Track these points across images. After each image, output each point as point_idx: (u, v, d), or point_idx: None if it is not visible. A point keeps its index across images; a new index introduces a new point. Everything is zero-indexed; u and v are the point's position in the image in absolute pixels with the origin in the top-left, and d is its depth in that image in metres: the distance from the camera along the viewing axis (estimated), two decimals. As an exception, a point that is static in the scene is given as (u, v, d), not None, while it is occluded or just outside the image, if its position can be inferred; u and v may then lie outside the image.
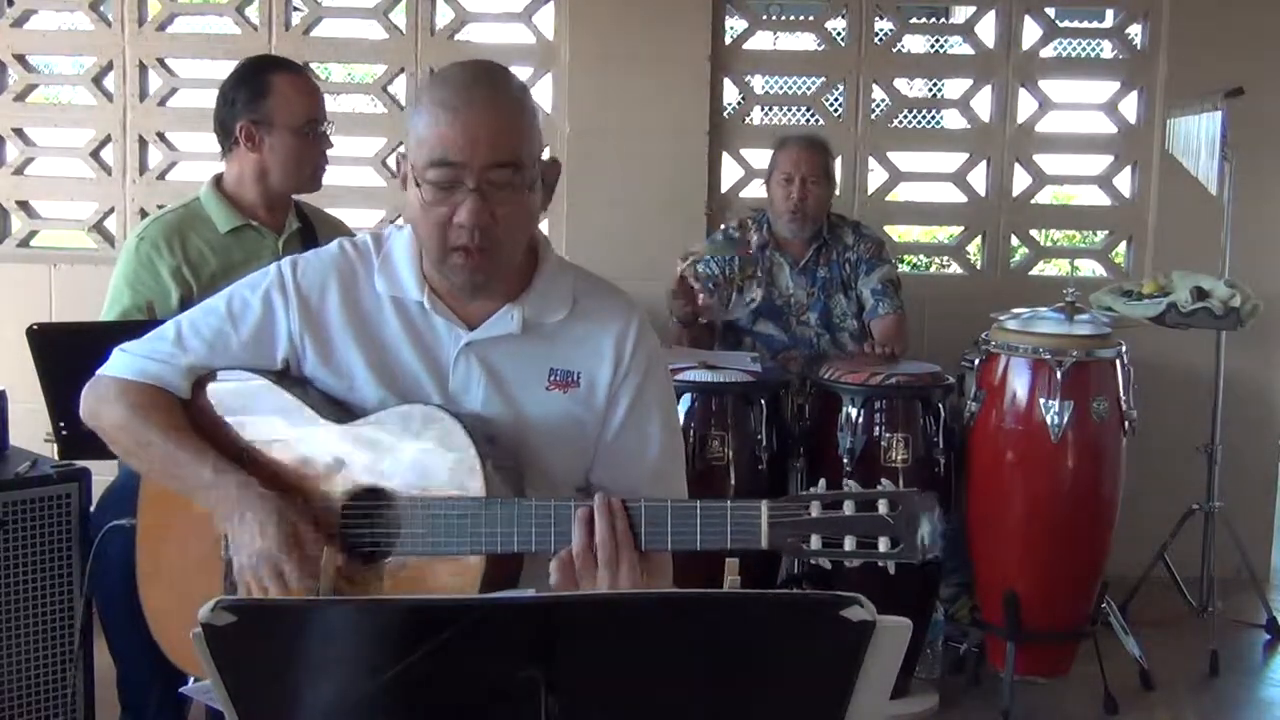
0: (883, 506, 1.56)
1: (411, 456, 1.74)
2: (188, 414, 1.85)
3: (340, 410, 1.81)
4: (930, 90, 8.31)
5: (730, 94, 4.68)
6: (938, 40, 8.55)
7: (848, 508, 1.57)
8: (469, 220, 1.68)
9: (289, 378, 1.84)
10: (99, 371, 1.89)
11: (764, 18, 4.81)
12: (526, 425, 1.80)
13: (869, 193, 4.65)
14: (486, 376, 1.80)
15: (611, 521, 1.62)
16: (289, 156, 2.95)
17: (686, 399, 3.42)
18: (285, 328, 1.83)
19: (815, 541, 1.57)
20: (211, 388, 1.86)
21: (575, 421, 1.82)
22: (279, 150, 2.94)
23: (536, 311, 1.81)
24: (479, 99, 1.69)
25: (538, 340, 1.82)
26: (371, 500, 1.76)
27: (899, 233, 5.18)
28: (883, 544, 1.56)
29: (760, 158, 4.41)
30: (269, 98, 2.93)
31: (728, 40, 4.58)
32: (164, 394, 1.84)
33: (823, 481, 1.63)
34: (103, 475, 2.78)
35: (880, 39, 4.64)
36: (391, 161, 4.55)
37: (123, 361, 1.87)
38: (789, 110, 5.70)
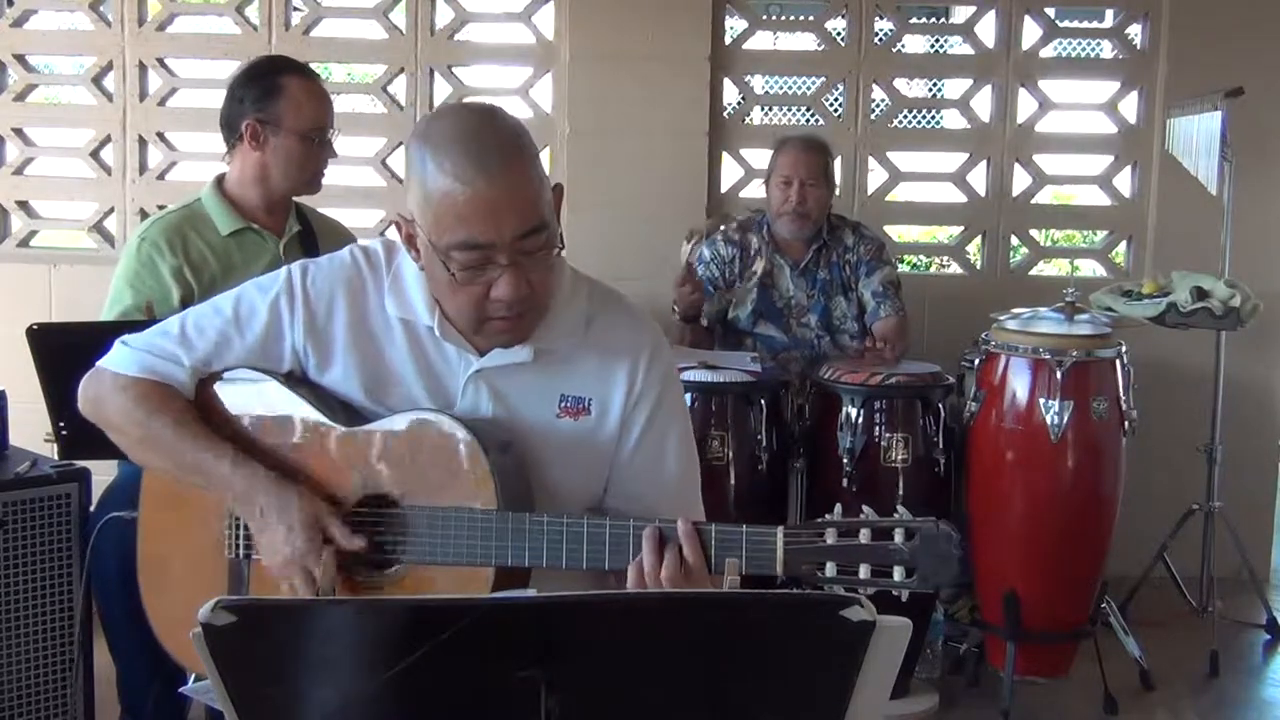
0: (898, 535, 1.56)
1: (422, 464, 1.72)
2: (194, 409, 1.83)
3: (349, 413, 1.79)
4: (930, 90, 8.32)
5: (730, 94, 4.68)
6: (938, 40, 8.56)
7: (863, 535, 1.56)
8: (510, 295, 1.64)
9: (296, 378, 1.82)
10: (99, 363, 1.86)
11: (764, 18, 4.81)
12: (535, 451, 1.77)
13: (869, 193, 4.65)
14: (495, 403, 1.77)
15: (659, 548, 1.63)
16: (291, 160, 2.95)
17: (686, 399, 3.41)
18: (290, 339, 1.81)
19: (830, 569, 1.57)
20: (218, 385, 1.84)
21: (585, 447, 1.79)
22: (281, 152, 2.94)
23: (548, 339, 1.77)
24: (495, 170, 1.60)
25: (549, 367, 1.78)
26: (379, 507, 1.75)
27: (899, 233, 5.18)
28: (897, 573, 1.55)
29: (760, 158, 4.40)
30: (279, 99, 2.92)
31: (728, 40, 4.58)
32: (170, 389, 1.82)
33: (839, 507, 1.63)
34: (103, 475, 2.78)
35: (880, 39, 4.64)
36: (392, 162, 4.55)
37: (125, 356, 1.84)
38: (789, 110, 5.70)
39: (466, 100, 3.99)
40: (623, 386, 1.79)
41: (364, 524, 1.75)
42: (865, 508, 1.61)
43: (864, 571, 1.56)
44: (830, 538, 1.57)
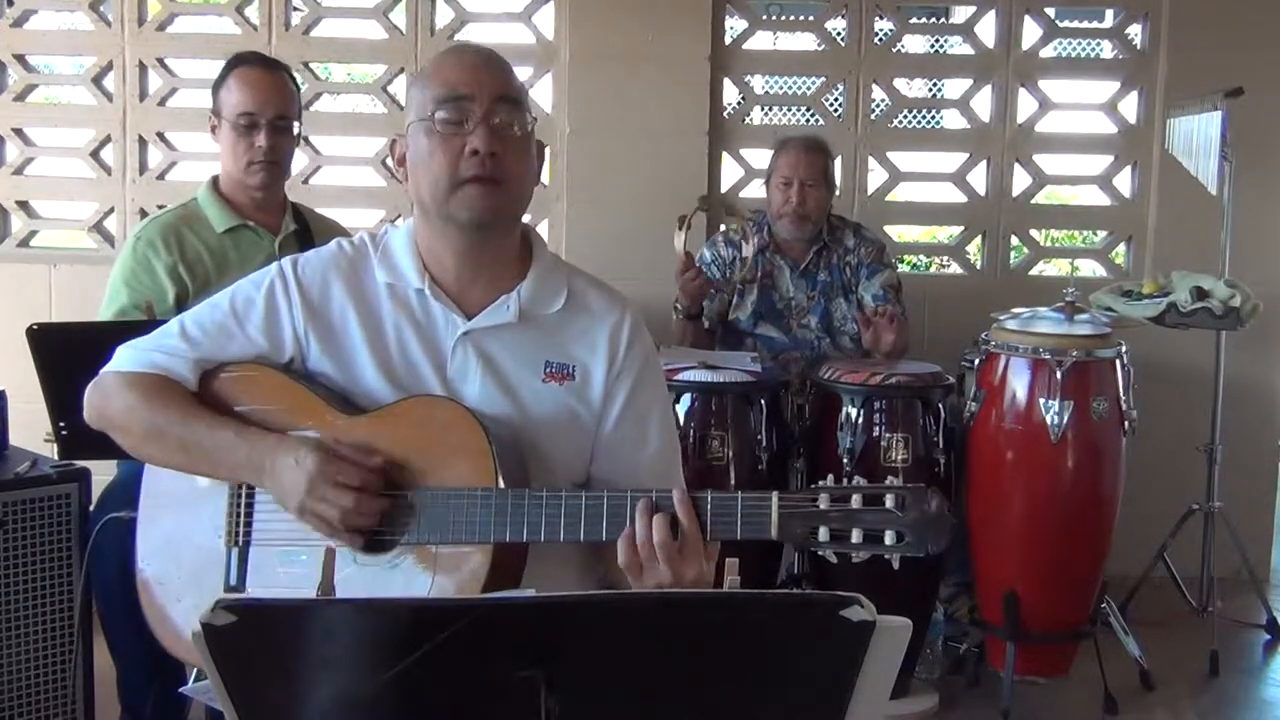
0: (890, 501, 1.59)
1: (423, 446, 1.75)
2: (197, 400, 1.86)
3: (347, 404, 1.82)
4: (930, 90, 8.31)
5: (730, 94, 4.68)
6: (938, 40, 8.56)
7: (855, 501, 1.60)
8: (483, 145, 1.74)
9: (295, 371, 1.86)
10: (103, 369, 1.89)
11: (764, 18, 4.81)
12: (524, 416, 1.82)
13: (869, 193, 4.65)
14: (483, 366, 1.82)
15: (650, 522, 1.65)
16: (226, 148, 3.00)
17: (686, 399, 3.42)
18: (290, 324, 1.84)
19: (823, 533, 1.60)
20: (219, 380, 1.86)
21: (571, 414, 1.84)
22: (224, 141, 3.00)
23: (532, 302, 1.84)
24: (477, 49, 1.83)
25: (534, 331, 1.84)
26: (383, 490, 1.76)
27: (899, 233, 5.18)
28: (889, 537, 1.59)
29: (760, 158, 4.40)
30: (221, 90, 2.99)
31: (728, 40, 4.58)
32: (173, 382, 1.85)
33: (831, 477, 1.65)
34: (102, 475, 2.78)
35: (880, 39, 4.64)
36: (392, 162, 4.54)
37: (128, 356, 1.88)
38: (789, 110, 5.70)
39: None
40: (604, 356, 1.85)
41: None
42: (857, 476, 1.64)
43: (856, 535, 1.59)
44: (823, 503, 1.60)
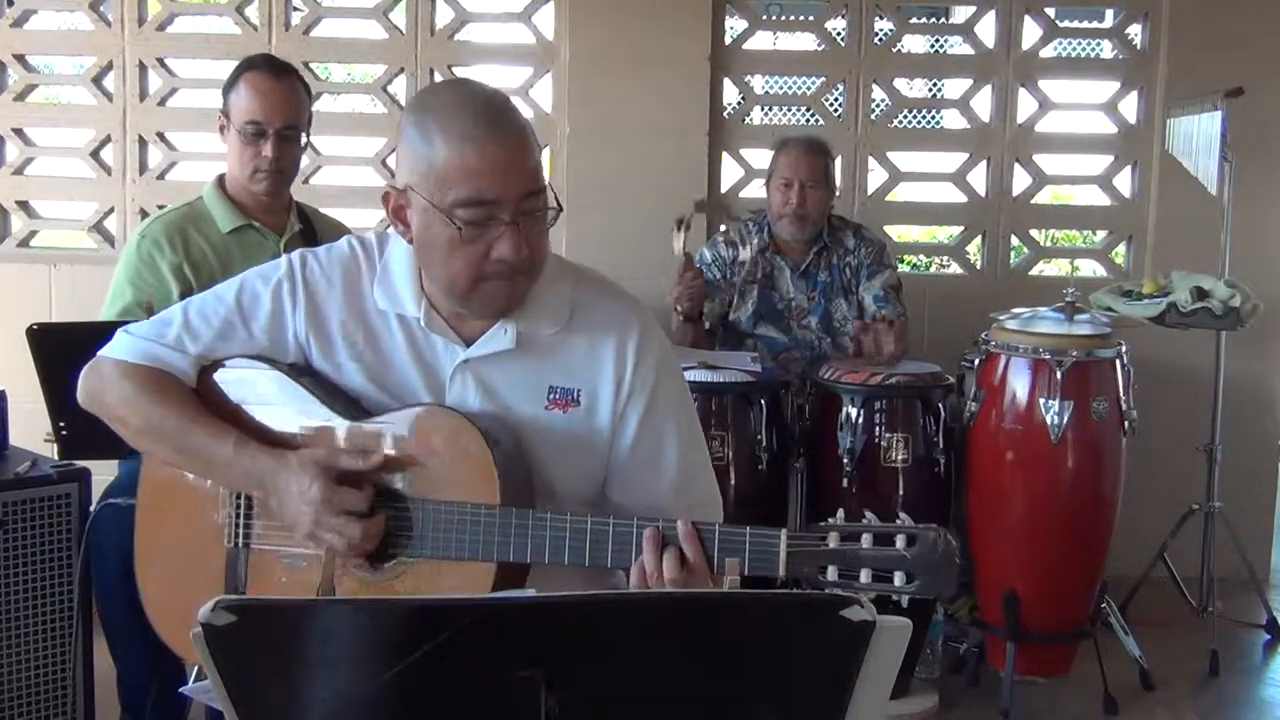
0: (900, 542, 1.57)
1: (427, 459, 1.72)
2: (196, 398, 1.82)
3: (351, 405, 1.79)
4: (930, 90, 8.32)
5: (730, 94, 4.68)
6: (938, 40, 8.57)
7: (865, 541, 1.58)
8: (511, 255, 1.66)
9: (298, 368, 1.82)
10: (100, 352, 1.84)
11: (764, 18, 4.81)
12: (527, 443, 1.76)
13: (869, 193, 4.65)
14: (483, 394, 1.77)
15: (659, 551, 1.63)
16: (233, 152, 2.99)
17: (686, 399, 3.42)
18: (293, 327, 1.81)
19: (832, 572, 1.58)
20: (220, 375, 1.83)
21: (578, 440, 1.78)
22: (232, 147, 2.99)
23: (531, 325, 1.77)
24: (499, 130, 1.65)
25: (534, 355, 1.78)
26: (383, 500, 1.74)
27: (899, 233, 5.18)
28: (898, 578, 1.57)
29: (760, 158, 4.40)
30: (231, 93, 2.98)
31: (728, 40, 4.58)
32: (172, 377, 1.81)
33: (841, 512, 1.64)
34: (103, 475, 2.78)
35: (880, 39, 4.64)
36: (392, 162, 4.54)
37: (127, 343, 1.83)
38: (789, 110, 5.69)
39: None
40: (611, 377, 1.78)
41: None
42: (867, 512, 1.62)
43: (865, 576, 1.57)
44: (833, 542, 1.58)
